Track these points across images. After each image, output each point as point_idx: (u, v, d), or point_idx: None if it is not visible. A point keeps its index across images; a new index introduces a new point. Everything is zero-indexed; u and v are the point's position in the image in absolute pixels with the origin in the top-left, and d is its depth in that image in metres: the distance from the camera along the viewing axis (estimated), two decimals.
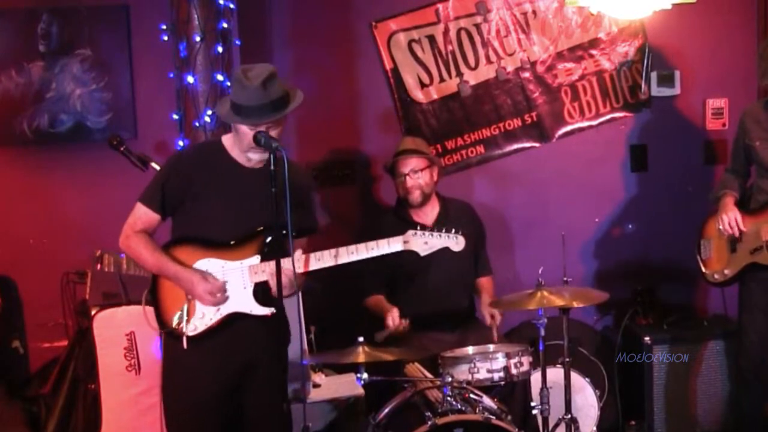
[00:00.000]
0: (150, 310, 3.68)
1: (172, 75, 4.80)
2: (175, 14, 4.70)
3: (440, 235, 3.67)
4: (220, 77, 4.63)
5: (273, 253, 3.56)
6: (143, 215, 3.67)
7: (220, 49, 4.65)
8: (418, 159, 4.80)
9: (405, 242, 3.65)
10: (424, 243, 3.66)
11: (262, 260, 3.60)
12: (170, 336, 3.64)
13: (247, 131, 3.54)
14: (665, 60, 5.76)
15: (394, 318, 4.53)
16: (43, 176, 5.39)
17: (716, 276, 4.70)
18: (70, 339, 4.91)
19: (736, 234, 4.52)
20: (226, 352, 3.62)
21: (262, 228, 3.60)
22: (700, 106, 5.77)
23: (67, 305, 4.93)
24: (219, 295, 3.58)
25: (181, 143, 4.74)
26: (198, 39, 4.62)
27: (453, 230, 3.69)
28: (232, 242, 3.61)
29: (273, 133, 3.56)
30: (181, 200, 3.65)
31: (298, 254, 3.56)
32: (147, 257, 3.65)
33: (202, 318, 3.61)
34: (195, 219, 3.65)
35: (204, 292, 3.56)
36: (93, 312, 4.48)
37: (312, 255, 3.60)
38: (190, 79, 4.62)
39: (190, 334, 3.60)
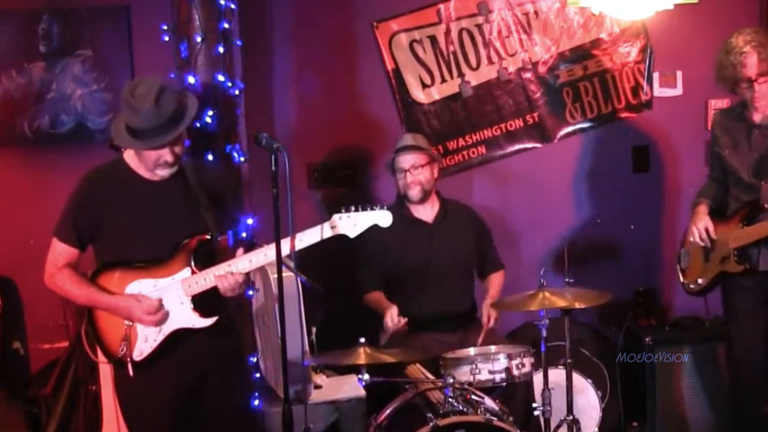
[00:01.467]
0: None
1: (173, 75, 4.78)
2: (176, 14, 4.69)
3: (367, 214, 3.58)
4: (221, 78, 4.61)
5: (203, 261, 3.55)
6: (62, 251, 3.62)
7: (221, 49, 4.64)
8: (419, 155, 4.79)
9: (332, 227, 3.58)
10: (353, 225, 3.57)
11: (194, 271, 3.56)
12: (118, 365, 3.61)
13: (150, 152, 3.50)
14: (667, 60, 5.75)
15: (393, 317, 4.51)
16: (43, 177, 5.37)
17: (692, 286, 4.69)
18: (70, 340, 4.90)
19: (707, 243, 4.50)
20: (177, 369, 3.60)
21: (188, 238, 3.57)
22: (702, 106, 5.76)
23: (68, 306, 4.92)
24: (158, 313, 3.53)
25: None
26: (199, 39, 4.61)
27: (380, 205, 3.60)
28: (157, 259, 3.56)
29: (177, 149, 3.53)
30: (97, 229, 3.59)
31: (240, 252, 3.56)
32: (76, 293, 3.61)
33: (145, 341, 3.57)
34: (115, 243, 3.60)
35: (142, 313, 3.52)
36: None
37: (248, 255, 3.56)
38: (191, 79, 4.61)
39: (137, 359, 3.56)
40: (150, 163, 3.55)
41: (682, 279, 4.77)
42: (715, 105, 5.72)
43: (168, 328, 3.57)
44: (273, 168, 3.45)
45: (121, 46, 5.34)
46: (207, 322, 3.58)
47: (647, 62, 5.73)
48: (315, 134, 5.57)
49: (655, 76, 5.75)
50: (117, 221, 3.58)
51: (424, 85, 5.63)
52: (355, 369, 3.94)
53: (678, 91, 5.78)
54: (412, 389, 4.09)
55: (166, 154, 3.51)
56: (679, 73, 5.76)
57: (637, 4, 4.71)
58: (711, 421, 5.21)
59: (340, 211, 3.57)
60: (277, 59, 5.53)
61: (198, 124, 4.55)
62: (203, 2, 4.62)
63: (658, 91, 5.77)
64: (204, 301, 3.57)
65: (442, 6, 5.59)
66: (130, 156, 3.65)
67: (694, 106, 5.76)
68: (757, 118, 4.42)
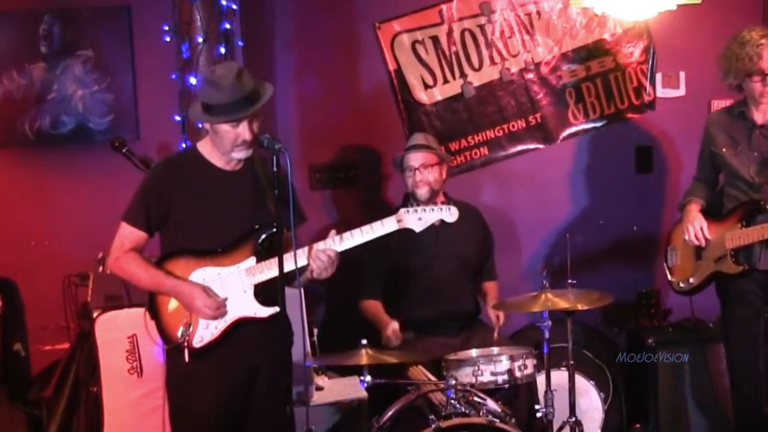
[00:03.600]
0: (152, 325, 3.64)
1: (174, 76, 4.79)
2: (177, 15, 4.69)
3: (432, 209, 3.63)
4: None
5: (268, 251, 3.55)
6: (130, 235, 3.62)
7: (222, 50, 4.64)
8: (429, 154, 4.77)
9: (399, 221, 3.60)
10: (418, 219, 3.61)
11: (258, 261, 3.56)
12: (175, 350, 3.59)
13: (228, 130, 3.50)
14: (670, 61, 5.73)
15: (395, 331, 4.50)
16: (44, 178, 5.38)
17: (681, 285, 4.65)
18: (71, 342, 4.89)
19: (702, 243, 4.47)
20: (232, 360, 3.59)
21: (254, 228, 3.57)
22: (705, 107, 5.74)
23: (69, 308, 4.92)
24: (219, 310, 3.53)
25: (184, 145, 4.72)
26: (200, 40, 4.61)
27: (444, 204, 3.64)
28: (223, 248, 3.57)
29: (255, 126, 3.54)
30: (166, 215, 3.60)
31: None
32: (141, 276, 3.60)
33: (206, 328, 3.56)
34: (183, 230, 3.61)
35: (203, 306, 3.51)
36: (95, 314, 4.46)
37: (315, 245, 3.56)
38: (193, 80, 4.62)
39: (197, 345, 3.55)
40: (228, 144, 3.54)
41: (669, 277, 4.74)
42: (718, 105, 5.69)
43: (231, 316, 3.57)
44: (275, 169, 3.44)
45: (122, 47, 5.34)
46: (269, 311, 3.56)
47: (650, 63, 5.72)
48: (317, 135, 5.56)
49: (658, 76, 5.74)
50: (186, 208, 3.60)
51: (426, 86, 5.62)
52: (357, 370, 3.94)
53: (681, 91, 5.76)
54: (414, 391, 4.08)
55: (245, 132, 3.50)
56: (682, 74, 5.74)
57: (640, 5, 4.71)
58: (713, 423, 5.19)
59: (406, 207, 3.64)
60: (279, 60, 5.53)
61: (199, 125, 4.55)
62: (204, 3, 4.63)
63: (661, 92, 5.76)
64: (265, 292, 3.57)
65: (444, 6, 5.58)
66: (203, 145, 3.67)
67: (697, 106, 5.74)
68: (758, 118, 4.40)
